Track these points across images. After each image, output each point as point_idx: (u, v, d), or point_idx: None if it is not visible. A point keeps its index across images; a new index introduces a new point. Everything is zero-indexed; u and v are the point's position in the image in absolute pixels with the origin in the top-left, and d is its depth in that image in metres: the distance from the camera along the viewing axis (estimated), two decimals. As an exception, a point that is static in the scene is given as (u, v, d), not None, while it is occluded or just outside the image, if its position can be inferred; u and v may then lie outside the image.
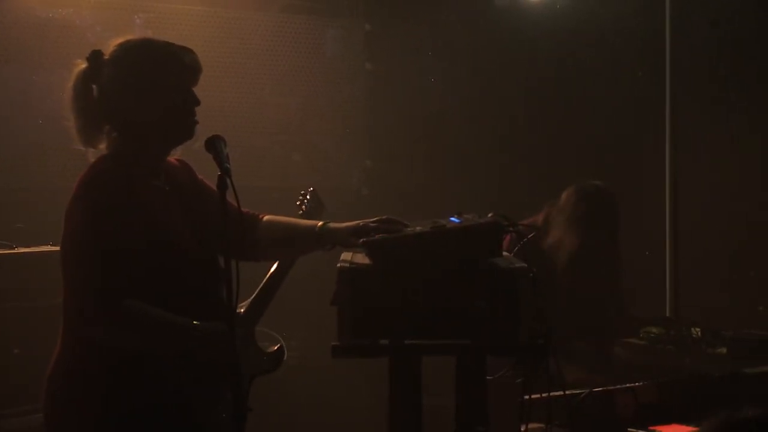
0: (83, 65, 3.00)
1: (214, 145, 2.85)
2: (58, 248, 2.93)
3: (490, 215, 2.83)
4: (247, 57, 5.69)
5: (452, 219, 2.87)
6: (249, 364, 3.31)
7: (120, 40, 3.02)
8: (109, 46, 3.01)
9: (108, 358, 2.88)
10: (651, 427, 3.23)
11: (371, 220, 2.95)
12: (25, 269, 4.33)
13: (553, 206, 4.52)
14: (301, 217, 3.68)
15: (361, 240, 2.80)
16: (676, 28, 5.58)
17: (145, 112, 2.96)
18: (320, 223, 3.11)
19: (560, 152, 6.02)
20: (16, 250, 4.42)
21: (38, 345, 3.99)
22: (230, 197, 2.82)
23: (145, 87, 2.95)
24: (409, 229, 2.84)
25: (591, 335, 4.46)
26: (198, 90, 3.07)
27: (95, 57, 2.99)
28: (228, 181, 2.77)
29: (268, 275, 3.64)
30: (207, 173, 3.17)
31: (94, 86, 2.98)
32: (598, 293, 4.52)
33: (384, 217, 2.95)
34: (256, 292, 3.62)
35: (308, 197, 3.78)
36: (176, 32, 5.30)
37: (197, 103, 3.03)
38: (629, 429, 3.22)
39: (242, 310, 3.52)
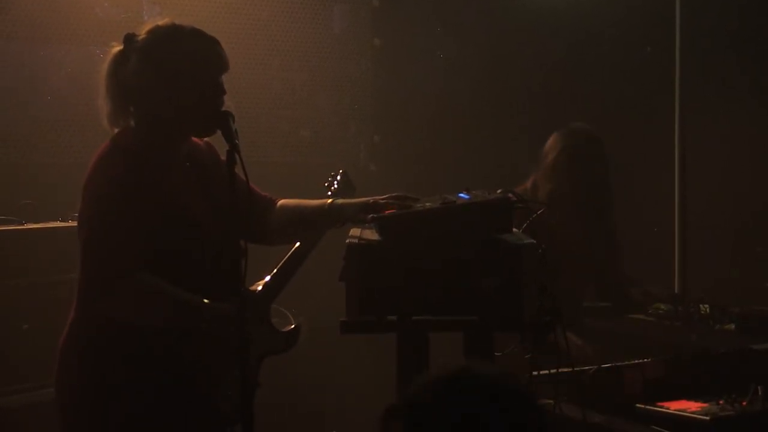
0: (118, 48, 2.99)
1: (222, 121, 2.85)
2: (67, 224, 2.95)
3: (498, 191, 2.83)
4: (254, 33, 5.67)
5: (461, 195, 2.87)
6: (260, 343, 3.31)
7: (150, 25, 3.01)
8: (142, 30, 3.00)
9: (119, 331, 2.90)
10: (658, 403, 3.23)
11: (381, 197, 2.95)
12: (33, 245, 4.33)
13: (539, 171, 4.49)
14: (329, 198, 3.66)
15: (370, 216, 2.80)
16: (686, 3, 5.55)
17: (169, 106, 2.95)
18: (329, 201, 3.12)
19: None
20: (25, 226, 4.43)
21: (48, 321, 4.01)
22: (240, 173, 2.82)
23: (170, 80, 2.94)
24: (418, 205, 2.84)
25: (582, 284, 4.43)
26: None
27: (128, 41, 2.98)
28: (237, 156, 2.78)
29: (289, 253, 3.63)
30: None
31: (124, 69, 2.97)
32: (594, 234, 4.48)
33: (394, 194, 2.95)
34: (275, 270, 3.60)
35: (338, 178, 3.74)
36: (184, 7, 5.28)
37: (223, 92, 3.01)
38: (637, 405, 3.22)
39: (259, 288, 3.51)
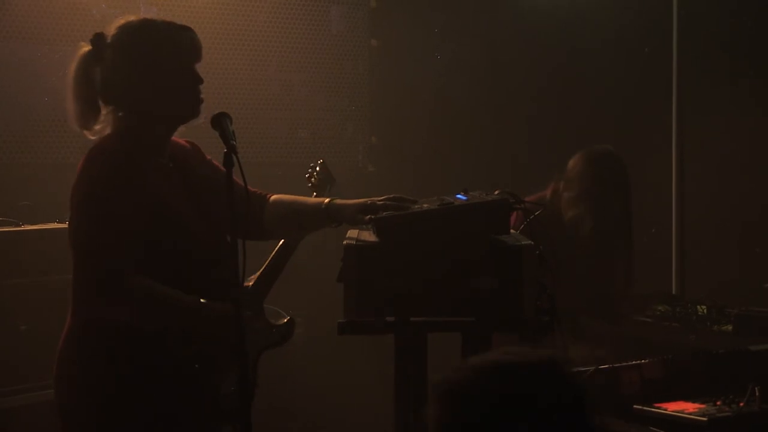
0: (87, 48, 3.00)
1: (219, 122, 2.85)
2: (64, 225, 2.94)
3: (496, 192, 2.83)
4: (251, 34, 5.67)
5: (458, 196, 2.87)
6: (257, 338, 3.32)
7: (121, 21, 3.01)
8: (111, 27, 3.00)
9: (116, 333, 2.90)
10: (656, 404, 3.23)
11: (379, 198, 2.95)
12: (31, 246, 4.33)
13: (560, 180, 4.48)
14: (310, 189, 3.68)
15: (368, 217, 2.80)
16: (682, 5, 5.56)
17: (148, 98, 2.96)
18: (327, 200, 3.11)
19: (567, 129, 6.00)
20: (22, 227, 4.42)
21: (45, 322, 4.01)
22: (236, 174, 2.82)
23: (147, 72, 2.95)
24: (416, 206, 2.84)
25: (602, 310, 4.44)
26: (203, 67, 3.06)
27: (98, 40, 2.99)
28: (234, 158, 2.77)
29: (276, 248, 3.64)
30: (213, 151, 3.17)
31: (97, 69, 2.97)
32: (611, 267, 4.49)
33: (392, 195, 2.95)
34: (264, 265, 3.62)
35: (317, 170, 3.76)
36: (181, 9, 5.28)
37: (200, 81, 3.02)
38: (635, 406, 3.23)
39: (250, 284, 3.52)
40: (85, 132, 3.02)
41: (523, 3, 6.30)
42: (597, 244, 4.38)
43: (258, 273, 3.60)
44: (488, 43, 6.25)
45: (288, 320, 3.54)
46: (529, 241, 2.69)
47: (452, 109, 6.22)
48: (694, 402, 3.24)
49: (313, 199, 3.22)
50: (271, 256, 3.64)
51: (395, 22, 6.09)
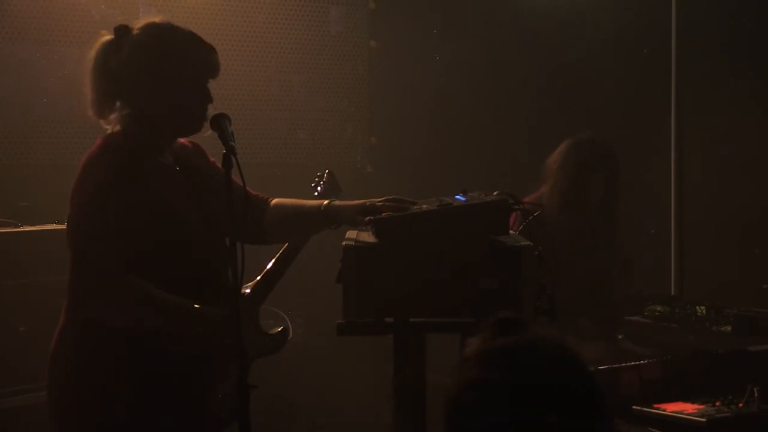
0: (108, 37, 2.99)
1: (219, 123, 2.85)
2: (63, 226, 2.95)
3: (495, 193, 2.83)
4: (251, 35, 5.67)
5: (457, 197, 2.87)
6: (251, 346, 3.31)
7: (148, 20, 3.01)
8: (138, 24, 3.00)
9: (114, 334, 2.89)
10: (655, 405, 3.24)
11: (378, 199, 2.95)
12: (30, 247, 4.33)
13: (548, 178, 4.47)
14: (315, 198, 3.67)
15: (367, 218, 2.81)
16: (681, 6, 5.57)
17: (156, 104, 2.96)
18: (326, 202, 3.11)
19: (566, 129, 5.99)
20: (21, 228, 4.42)
21: (45, 322, 4.00)
22: (236, 175, 2.82)
23: (158, 76, 2.95)
24: (415, 207, 2.84)
25: (593, 301, 4.43)
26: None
27: (120, 32, 2.98)
28: (233, 159, 2.77)
29: (276, 256, 3.63)
30: (212, 151, 3.17)
31: (114, 60, 2.96)
32: (597, 252, 4.48)
33: (391, 196, 2.95)
34: (263, 272, 3.61)
35: (324, 179, 3.75)
36: (181, 9, 5.28)
37: (210, 100, 3.02)
38: (634, 406, 3.23)
39: (247, 291, 3.51)
40: (101, 121, 3.01)
41: (523, 3, 6.30)
42: (585, 229, 4.36)
43: (257, 279, 3.59)
44: (488, 44, 6.25)
45: (281, 330, 3.53)
46: (528, 242, 2.69)
47: (452, 109, 6.22)
48: (693, 403, 3.24)
49: (312, 201, 3.22)
50: (271, 263, 3.62)
51: (394, 23, 6.09)
